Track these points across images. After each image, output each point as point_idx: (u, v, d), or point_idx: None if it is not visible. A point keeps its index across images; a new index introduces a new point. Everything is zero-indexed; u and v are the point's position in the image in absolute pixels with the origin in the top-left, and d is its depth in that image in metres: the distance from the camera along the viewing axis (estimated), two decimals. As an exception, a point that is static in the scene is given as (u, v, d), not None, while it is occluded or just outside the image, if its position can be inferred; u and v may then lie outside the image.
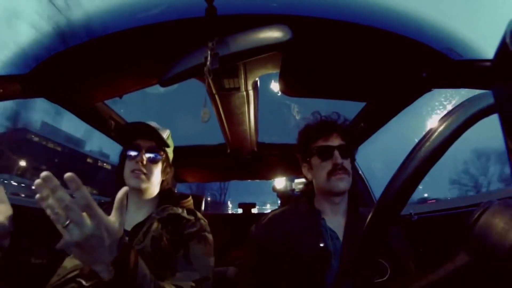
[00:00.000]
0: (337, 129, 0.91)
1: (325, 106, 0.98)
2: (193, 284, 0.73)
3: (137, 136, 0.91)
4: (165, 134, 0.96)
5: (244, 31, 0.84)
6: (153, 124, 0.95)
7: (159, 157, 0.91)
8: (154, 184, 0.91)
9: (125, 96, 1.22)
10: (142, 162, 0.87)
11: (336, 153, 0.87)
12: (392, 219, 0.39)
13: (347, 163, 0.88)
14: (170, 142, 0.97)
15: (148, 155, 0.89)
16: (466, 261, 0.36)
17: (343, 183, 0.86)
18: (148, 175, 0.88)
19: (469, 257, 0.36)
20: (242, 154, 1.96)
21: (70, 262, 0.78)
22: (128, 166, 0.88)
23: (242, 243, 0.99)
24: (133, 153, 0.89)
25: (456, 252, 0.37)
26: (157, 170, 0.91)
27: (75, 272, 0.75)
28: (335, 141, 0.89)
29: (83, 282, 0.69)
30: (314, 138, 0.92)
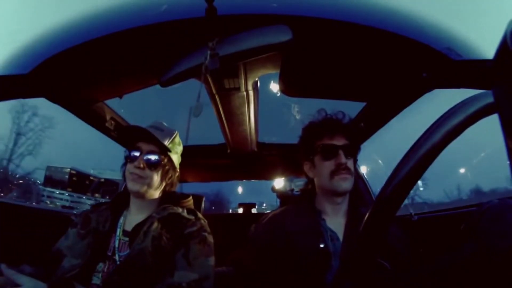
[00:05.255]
0: (343, 129, 0.90)
1: (325, 106, 0.98)
2: (184, 285, 0.73)
3: (138, 138, 0.89)
4: (169, 136, 0.91)
5: (244, 31, 0.84)
6: (159, 124, 0.93)
7: (158, 161, 0.87)
8: (152, 188, 0.88)
9: (125, 96, 1.23)
10: (140, 166, 0.85)
11: (341, 152, 0.86)
12: (389, 218, 0.39)
13: (350, 163, 0.88)
14: (173, 145, 0.92)
15: (146, 158, 0.86)
16: (471, 252, 0.36)
17: (346, 183, 0.85)
18: (146, 179, 0.85)
19: (475, 248, 0.36)
20: (242, 154, 1.96)
21: (68, 262, 0.78)
22: (128, 168, 0.87)
23: (242, 243, 0.99)
24: (133, 156, 0.87)
25: (461, 244, 0.38)
26: (157, 174, 0.88)
27: (73, 272, 0.76)
28: (340, 141, 0.88)
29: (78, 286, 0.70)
30: (318, 136, 0.91)
